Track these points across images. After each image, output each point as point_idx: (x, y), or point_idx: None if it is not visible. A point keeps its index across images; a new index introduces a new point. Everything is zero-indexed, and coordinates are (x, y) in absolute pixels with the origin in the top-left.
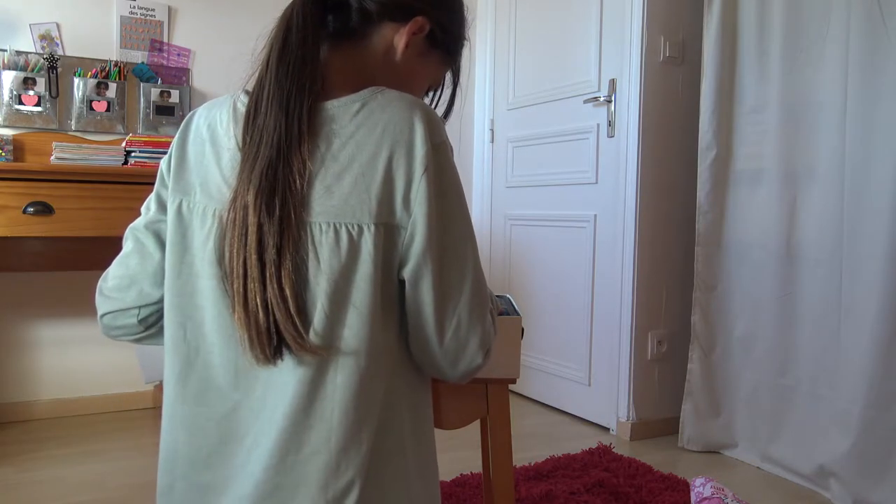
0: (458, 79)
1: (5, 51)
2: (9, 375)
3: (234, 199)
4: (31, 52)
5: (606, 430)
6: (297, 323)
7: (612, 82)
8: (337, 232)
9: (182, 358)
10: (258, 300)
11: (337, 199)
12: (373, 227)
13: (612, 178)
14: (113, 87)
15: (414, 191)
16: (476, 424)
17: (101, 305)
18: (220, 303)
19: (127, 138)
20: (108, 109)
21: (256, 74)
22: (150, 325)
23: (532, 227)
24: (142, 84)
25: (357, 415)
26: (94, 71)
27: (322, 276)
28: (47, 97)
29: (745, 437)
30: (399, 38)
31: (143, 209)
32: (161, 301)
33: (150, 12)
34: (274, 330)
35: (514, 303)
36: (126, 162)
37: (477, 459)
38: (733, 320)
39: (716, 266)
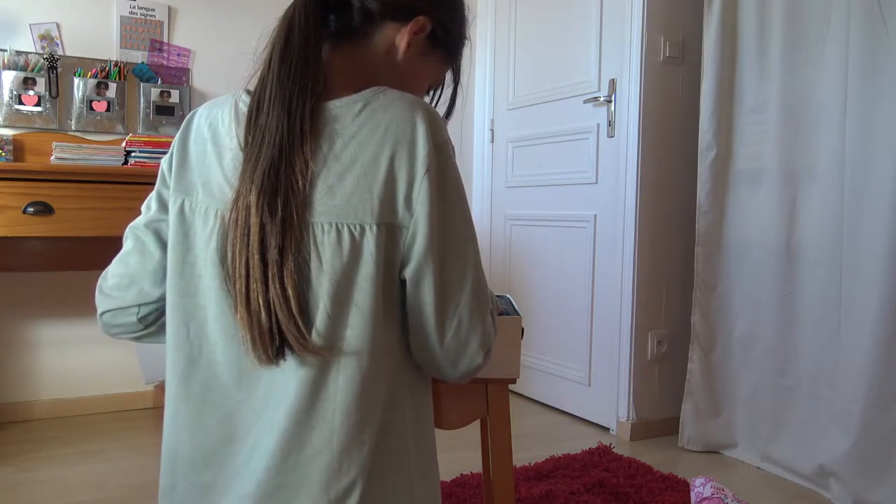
0: (459, 78)
1: (5, 51)
2: (9, 375)
3: (236, 200)
4: (31, 52)
5: (606, 430)
6: (300, 323)
7: (612, 82)
8: (339, 232)
9: (185, 357)
10: (260, 300)
11: (339, 199)
12: (375, 227)
13: (612, 178)
14: (113, 87)
15: (416, 191)
16: (476, 424)
17: (101, 303)
18: (223, 303)
19: (127, 138)
20: (108, 109)
21: (258, 74)
22: (150, 323)
23: (532, 227)
24: (142, 84)
25: (359, 415)
26: (94, 71)
27: (324, 276)
28: (47, 97)
29: (745, 437)
30: (401, 38)
31: (143, 208)
32: (160, 300)
33: (150, 12)
34: (276, 330)
35: (514, 303)
36: (126, 162)
37: (477, 459)
38: (733, 320)
39: (716, 266)
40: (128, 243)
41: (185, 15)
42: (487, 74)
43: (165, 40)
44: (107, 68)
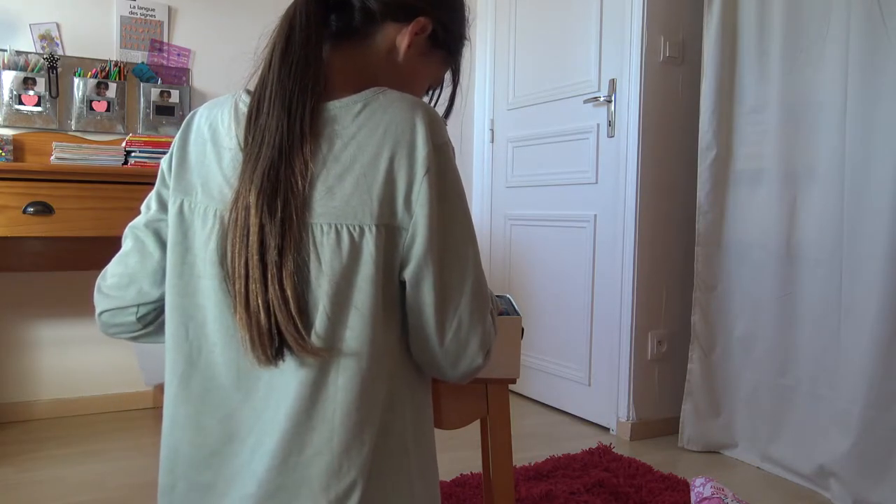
0: (459, 78)
1: (5, 51)
2: (9, 375)
3: (235, 200)
4: (31, 52)
5: (606, 430)
6: (299, 324)
7: (612, 82)
8: (338, 233)
9: (184, 358)
10: (259, 301)
11: (338, 200)
12: (374, 229)
13: (612, 178)
14: (113, 87)
15: (415, 192)
16: (476, 424)
17: (100, 303)
18: (222, 303)
19: (127, 138)
20: (108, 109)
21: (259, 74)
22: (148, 323)
23: (532, 227)
24: (142, 84)
25: (359, 416)
26: (94, 71)
27: (323, 277)
28: (47, 97)
29: (745, 437)
30: (401, 39)
31: (142, 208)
32: (159, 300)
33: (150, 12)
34: (275, 331)
35: (514, 303)
36: (126, 162)
37: (477, 459)
38: (733, 320)
39: (716, 266)
40: (127, 243)
41: (185, 15)
42: (487, 74)
43: (165, 40)
44: (107, 68)
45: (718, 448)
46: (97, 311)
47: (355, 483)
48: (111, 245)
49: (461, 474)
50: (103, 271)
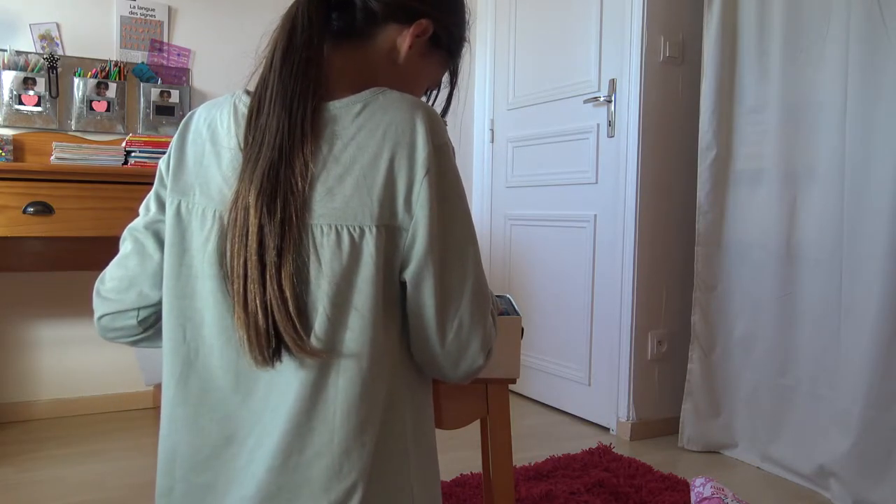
0: (456, 80)
1: (5, 51)
2: (9, 375)
3: (235, 200)
4: (31, 52)
5: (606, 430)
6: (297, 325)
7: (612, 82)
8: (338, 234)
9: (182, 359)
10: (258, 301)
11: (339, 201)
12: (374, 229)
13: (612, 178)
14: (113, 87)
15: (415, 193)
16: (476, 424)
17: (99, 307)
18: (221, 304)
19: (127, 138)
20: (108, 109)
21: (260, 73)
22: (149, 326)
23: (532, 227)
24: (142, 84)
25: (359, 417)
26: (94, 71)
27: (323, 278)
28: (47, 97)
29: (745, 437)
30: (403, 40)
31: (141, 209)
32: (160, 303)
33: (150, 12)
34: (273, 332)
35: (514, 303)
36: (126, 162)
37: (477, 459)
38: (733, 320)
39: (716, 266)
40: (126, 245)
41: (185, 15)
42: (487, 74)
43: (165, 40)
44: (107, 68)
45: (718, 448)
46: (96, 315)
47: (356, 484)
48: (111, 245)
49: (461, 474)
50: (101, 275)
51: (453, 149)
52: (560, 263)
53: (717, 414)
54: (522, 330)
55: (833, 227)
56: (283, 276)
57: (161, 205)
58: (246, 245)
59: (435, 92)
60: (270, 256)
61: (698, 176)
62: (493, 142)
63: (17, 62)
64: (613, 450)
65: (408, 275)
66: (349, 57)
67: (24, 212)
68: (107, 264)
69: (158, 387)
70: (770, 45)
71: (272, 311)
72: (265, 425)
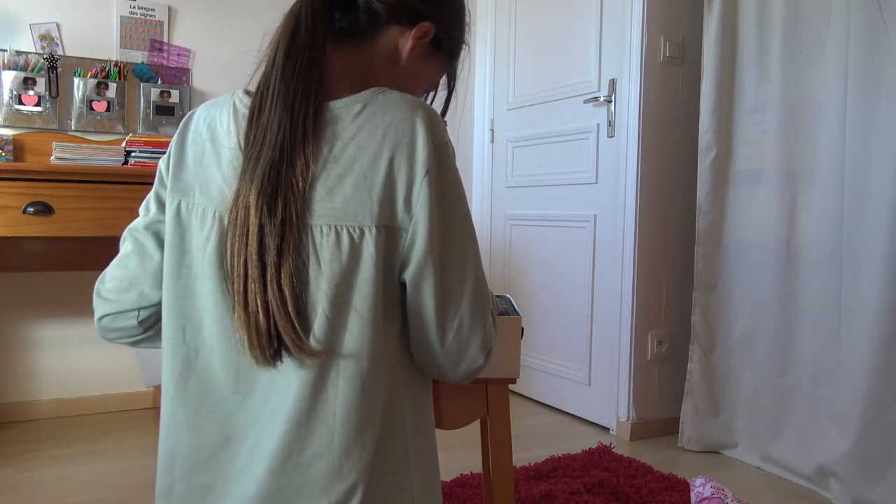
0: (455, 82)
1: (5, 51)
2: (9, 375)
3: (235, 199)
4: (31, 52)
5: (606, 430)
6: (297, 326)
7: (612, 82)
8: (338, 234)
9: (181, 360)
10: (258, 301)
11: (339, 201)
12: (374, 230)
13: (612, 178)
14: (113, 87)
15: (415, 193)
16: (476, 424)
17: (100, 307)
18: (221, 305)
19: (127, 138)
20: (108, 109)
21: (262, 72)
22: (149, 326)
23: (532, 227)
24: (142, 84)
25: (359, 417)
26: (94, 71)
27: (323, 279)
28: (47, 97)
29: (745, 437)
30: (404, 42)
31: (141, 210)
32: (160, 303)
33: (150, 12)
34: (273, 332)
35: (514, 303)
36: (126, 162)
37: (477, 459)
38: (733, 320)
39: (716, 266)
40: (126, 246)
41: (185, 15)
42: (487, 74)
43: (165, 40)
44: (107, 68)
45: (718, 448)
46: (97, 315)
47: (356, 485)
48: (111, 245)
49: (461, 474)
50: (102, 275)
51: (453, 149)
52: (560, 263)
53: (717, 414)
54: (522, 330)
55: (833, 227)
56: (282, 276)
57: (161, 205)
58: (246, 244)
59: (433, 94)
60: (271, 256)
61: (698, 176)
62: (493, 142)
63: (17, 62)
64: (613, 450)
65: (408, 275)
66: (351, 57)
67: (24, 212)
68: (107, 264)
69: (159, 387)
70: (770, 45)
71: (273, 312)
72: (264, 426)
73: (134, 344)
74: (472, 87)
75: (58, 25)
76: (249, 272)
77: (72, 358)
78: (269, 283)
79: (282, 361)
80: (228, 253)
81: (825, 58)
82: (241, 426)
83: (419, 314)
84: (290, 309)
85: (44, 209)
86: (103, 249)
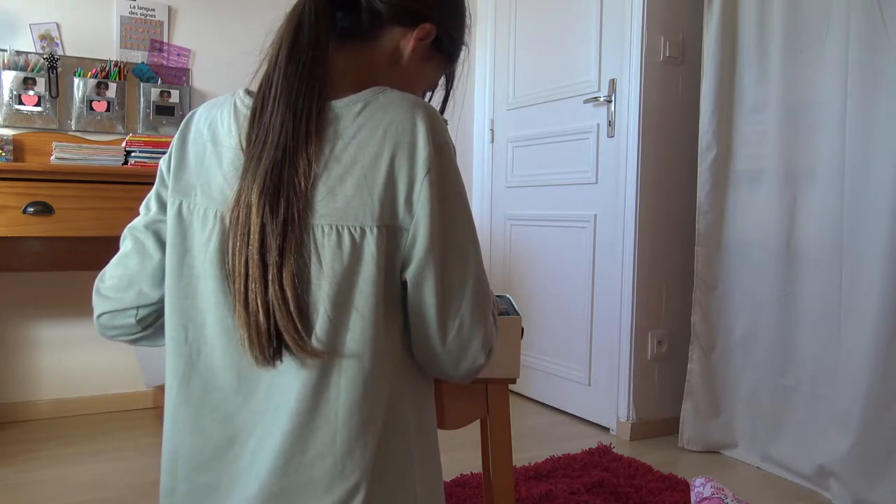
0: (453, 83)
1: (5, 51)
2: (9, 375)
3: (237, 198)
4: (31, 52)
5: (606, 430)
6: (298, 325)
7: (612, 82)
8: (339, 234)
9: (184, 360)
10: (259, 301)
11: (340, 201)
12: (375, 229)
13: (612, 178)
14: (113, 87)
15: (416, 193)
16: (476, 424)
17: (99, 305)
18: (223, 305)
19: (127, 138)
20: (108, 109)
21: (264, 71)
22: (148, 325)
23: (532, 227)
24: (142, 84)
25: (361, 417)
26: (94, 71)
27: (324, 279)
28: (47, 97)
29: (745, 437)
30: (406, 43)
31: (142, 209)
32: (159, 302)
33: (150, 12)
34: (274, 332)
35: (514, 303)
36: (126, 162)
37: (477, 459)
38: (733, 320)
39: (716, 266)
40: (126, 244)
41: (185, 15)
42: (487, 74)
43: (165, 40)
44: (107, 68)
45: (718, 448)
46: (96, 313)
47: (359, 484)
48: (111, 245)
49: (461, 474)
50: (101, 273)
51: (454, 148)
52: (560, 263)
53: (717, 414)
54: (522, 330)
55: (833, 227)
56: (284, 276)
57: (162, 205)
58: (248, 244)
59: (430, 94)
60: (272, 256)
61: (698, 176)
62: (493, 142)
63: (17, 62)
64: (613, 450)
65: (409, 274)
66: (352, 57)
67: (24, 212)
68: (107, 264)
69: (159, 388)
70: (770, 45)
71: (273, 312)
72: (267, 426)
73: (133, 342)
74: (472, 87)
75: (58, 25)
76: (250, 271)
77: (72, 358)
78: (270, 282)
79: (281, 361)
80: (230, 252)
81: (825, 58)
82: (243, 426)
83: (420, 313)
84: (292, 309)
85: (44, 209)
86: (103, 249)
